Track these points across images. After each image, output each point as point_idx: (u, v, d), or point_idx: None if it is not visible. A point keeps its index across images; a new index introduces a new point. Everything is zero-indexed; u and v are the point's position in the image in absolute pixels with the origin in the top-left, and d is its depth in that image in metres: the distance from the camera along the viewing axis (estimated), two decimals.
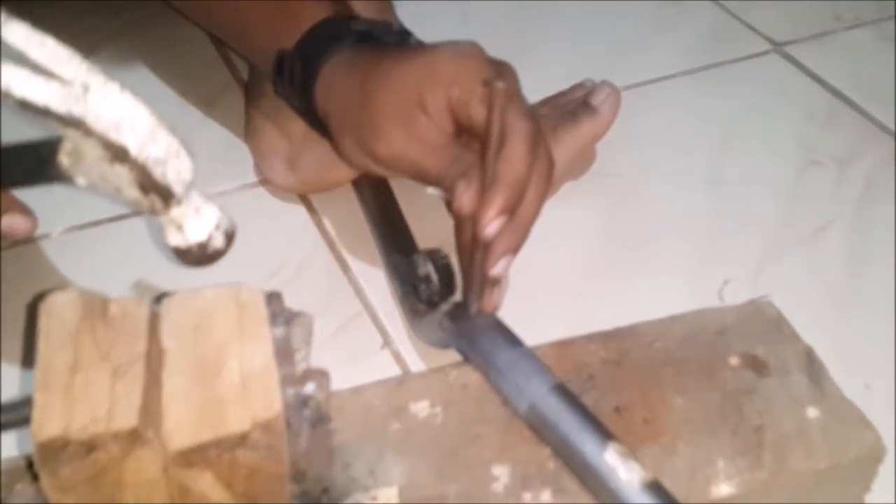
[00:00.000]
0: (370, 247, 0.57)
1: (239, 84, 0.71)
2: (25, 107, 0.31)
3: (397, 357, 0.52)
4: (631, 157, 0.65)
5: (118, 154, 0.33)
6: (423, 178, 0.46)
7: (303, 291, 0.56)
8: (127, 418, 0.32)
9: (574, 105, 0.59)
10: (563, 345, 0.44)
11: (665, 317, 0.46)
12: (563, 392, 0.40)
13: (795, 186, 0.64)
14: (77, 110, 0.31)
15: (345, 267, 0.58)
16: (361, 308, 0.55)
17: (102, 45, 0.75)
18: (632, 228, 0.60)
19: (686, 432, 0.40)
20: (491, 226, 0.42)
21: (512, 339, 0.43)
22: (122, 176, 0.33)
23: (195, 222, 0.35)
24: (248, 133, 0.62)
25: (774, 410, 0.41)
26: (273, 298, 0.37)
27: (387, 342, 0.53)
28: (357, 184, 0.59)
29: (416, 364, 0.52)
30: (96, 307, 0.35)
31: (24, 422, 0.32)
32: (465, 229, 0.45)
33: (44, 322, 0.34)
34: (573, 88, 0.62)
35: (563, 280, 0.56)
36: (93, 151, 0.32)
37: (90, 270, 0.56)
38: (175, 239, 0.35)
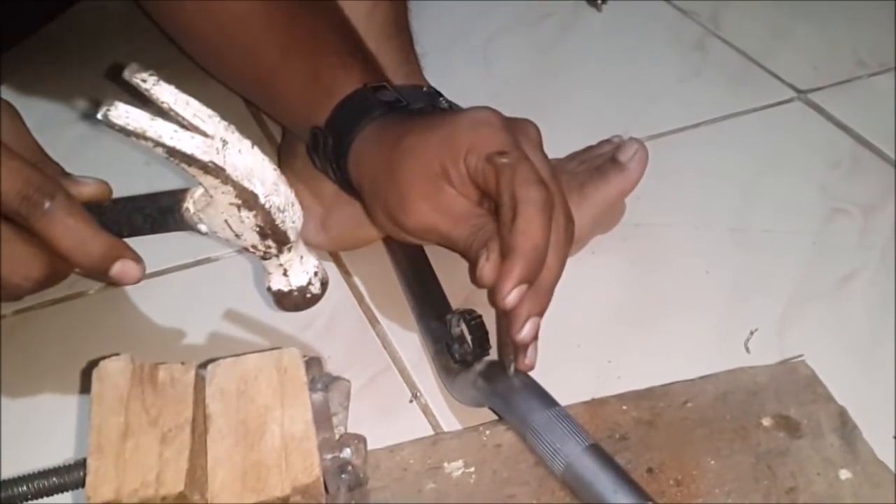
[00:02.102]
0: (398, 301, 0.59)
1: (269, 142, 0.73)
2: (173, 155, 0.36)
3: (425, 410, 0.54)
4: (657, 208, 0.66)
5: (248, 200, 0.38)
6: (451, 246, 0.49)
7: (333, 345, 0.57)
8: (175, 483, 0.33)
9: (602, 160, 0.61)
10: (596, 404, 0.46)
11: (697, 377, 0.48)
12: (599, 452, 0.41)
13: (820, 235, 0.66)
14: (217, 160, 0.36)
15: (373, 321, 0.59)
16: (390, 362, 0.57)
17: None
18: (659, 279, 0.62)
19: (719, 495, 0.41)
20: (510, 296, 0.45)
21: (546, 399, 0.45)
22: (246, 221, 0.38)
23: (299, 268, 0.41)
24: None
25: (807, 472, 0.42)
26: (313, 363, 0.39)
27: (415, 396, 0.55)
28: (389, 242, 0.61)
29: (444, 417, 0.53)
30: (146, 373, 0.37)
31: (79, 484, 0.34)
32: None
33: (96, 388, 0.36)
34: (601, 144, 0.64)
35: (593, 334, 0.58)
36: (225, 198, 0.37)
37: (130, 325, 0.58)
38: (279, 283, 0.41)
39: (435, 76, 0.65)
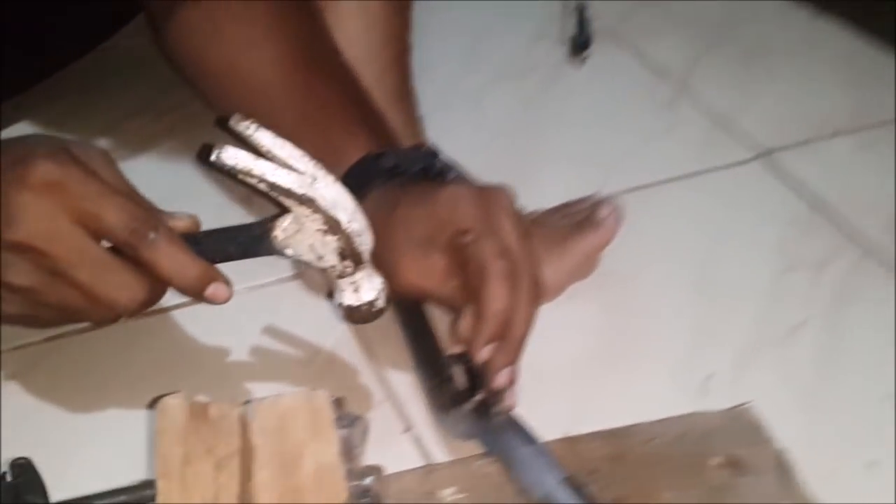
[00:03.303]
0: (393, 338, 0.68)
1: None
2: (274, 189, 0.46)
3: (417, 441, 0.63)
4: (628, 258, 0.75)
5: (333, 227, 0.48)
6: (437, 305, 0.60)
7: (334, 379, 0.66)
8: (229, 501, 0.42)
9: (581, 217, 0.71)
10: (571, 441, 0.56)
11: (659, 419, 0.57)
12: (573, 484, 0.51)
13: (773, 288, 0.75)
14: (310, 193, 0.46)
15: (371, 356, 0.68)
16: (385, 395, 0.65)
17: (147, 146, 0.86)
18: (628, 325, 0.71)
19: None
20: (482, 353, 0.56)
21: (528, 437, 0.54)
22: (329, 245, 0.49)
23: (368, 285, 0.51)
24: None
25: None
26: (338, 403, 0.47)
27: (408, 427, 0.63)
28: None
29: (434, 448, 0.62)
30: (198, 409, 0.45)
31: (148, 501, 0.42)
32: None
33: (159, 421, 0.44)
34: (581, 200, 0.74)
35: (568, 374, 0.67)
36: (313, 225, 0.48)
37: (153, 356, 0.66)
38: (350, 299, 0.51)
39: (434, 129, 0.74)
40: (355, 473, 0.45)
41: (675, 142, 0.90)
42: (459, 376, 0.60)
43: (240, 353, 0.66)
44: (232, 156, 0.45)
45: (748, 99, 0.96)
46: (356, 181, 0.61)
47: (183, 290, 0.53)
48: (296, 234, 0.48)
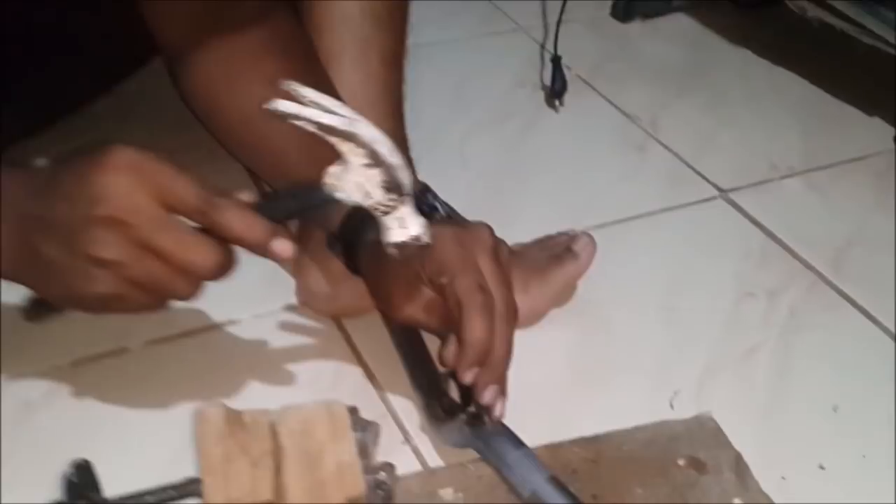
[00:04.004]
0: (392, 359, 0.75)
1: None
2: (322, 129, 0.54)
3: (416, 451, 0.70)
4: (602, 287, 0.83)
5: (375, 158, 0.54)
6: (429, 332, 0.69)
7: (337, 395, 0.72)
8: (265, 494, 0.50)
9: (559, 249, 0.79)
10: (554, 447, 0.64)
11: (631, 427, 0.65)
12: (557, 482, 0.58)
13: (732, 313, 0.83)
14: (351, 129, 0.54)
15: (371, 376, 0.75)
16: (385, 410, 0.73)
17: None
18: (602, 346, 0.79)
19: None
20: (466, 375, 0.63)
21: (517, 442, 0.62)
22: (373, 179, 0.55)
23: (413, 220, 0.56)
24: (296, 269, 0.79)
25: (710, 499, 0.60)
26: (352, 411, 0.55)
27: (407, 439, 0.70)
28: (385, 315, 0.77)
29: (430, 456, 0.69)
30: (233, 416, 0.53)
31: (195, 494, 0.49)
32: None
33: (200, 427, 0.52)
34: (559, 234, 0.82)
35: (549, 389, 0.75)
36: (357, 160, 0.54)
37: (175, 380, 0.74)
38: (397, 235, 0.57)
39: (423, 170, 0.81)
40: (370, 469, 0.53)
41: (643, 181, 0.99)
42: (453, 391, 0.67)
43: (258, 372, 0.74)
44: (283, 104, 0.53)
45: (710, 142, 1.06)
46: (353, 228, 0.69)
47: (252, 247, 0.58)
48: (343, 174, 0.55)
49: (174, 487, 0.51)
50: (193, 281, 0.57)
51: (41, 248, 0.55)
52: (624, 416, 0.70)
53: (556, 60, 1.11)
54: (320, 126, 0.53)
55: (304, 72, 0.74)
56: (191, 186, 0.55)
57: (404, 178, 0.55)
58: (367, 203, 0.56)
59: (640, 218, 0.94)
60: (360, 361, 0.76)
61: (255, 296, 0.79)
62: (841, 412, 0.74)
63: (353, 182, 0.55)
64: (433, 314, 0.66)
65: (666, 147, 1.04)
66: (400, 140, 0.80)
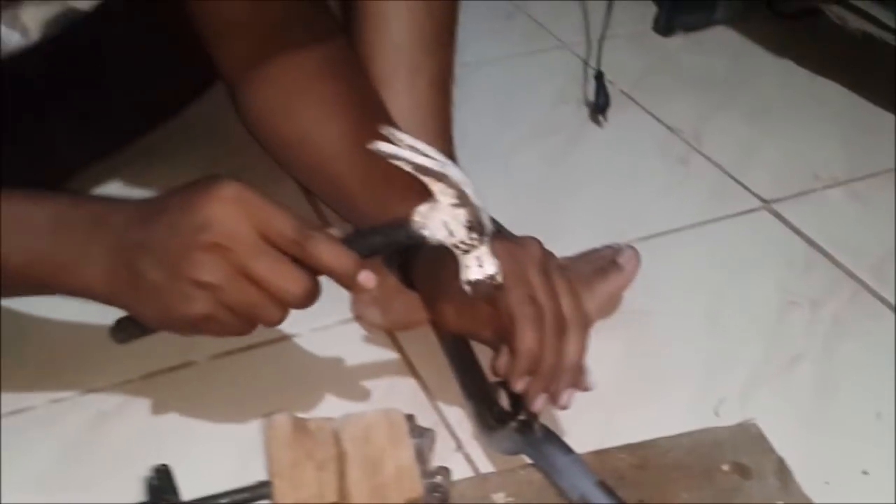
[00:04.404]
0: (443, 370, 0.78)
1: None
2: (416, 168, 0.58)
3: (468, 458, 0.73)
4: (647, 298, 0.85)
5: (462, 198, 0.58)
6: (481, 343, 0.72)
7: (391, 405, 0.76)
8: (331, 495, 0.54)
9: (605, 262, 0.82)
10: (601, 453, 0.67)
11: (676, 434, 0.67)
12: (605, 487, 0.61)
13: (775, 323, 0.85)
14: (443, 170, 0.58)
15: (423, 386, 0.78)
16: (438, 419, 0.76)
17: None
18: (647, 356, 0.82)
19: None
20: (518, 384, 0.66)
21: (566, 448, 0.65)
22: (459, 218, 0.59)
23: (490, 260, 0.60)
24: None
25: None
26: (410, 418, 0.58)
27: (459, 446, 0.74)
28: (436, 325, 0.80)
29: (481, 463, 0.72)
30: (299, 424, 0.56)
31: (266, 497, 0.53)
32: None
33: (269, 434, 0.55)
34: (604, 248, 0.85)
35: (596, 398, 0.76)
36: (446, 199, 0.59)
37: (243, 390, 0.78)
38: (475, 273, 0.60)
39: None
40: (427, 473, 0.56)
41: (687, 193, 1.01)
42: (503, 399, 0.70)
43: (317, 383, 0.77)
44: (384, 146, 0.57)
45: (753, 153, 1.07)
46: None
47: (340, 278, 0.62)
48: (430, 212, 0.59)
49: (246, 490, 0.55)
50: (282, 307, 0.61)
51: (144, 271, 0.59)
52: (669, 424, 0.72)
53: (599, 76, 1.13)
54: (416, 167, 0.57)
55: (358, 96, 0.78)
56: (288, 219, 0.60)
57: (486, 219, 0.59)
58: (449, 241, 0.60)
59: (684, 230, 0.96)
60: (414, 372, 0.79)
61: (312, 310, 0.80)
62: (884, 419, 0.76)
63: (440, 220, 0.59)
64: (486, 326, 0.69)
65: (709, 159, 1.06)
66: (449, 158, 0.83)
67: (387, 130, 0.58)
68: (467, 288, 0.61)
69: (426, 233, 0.59)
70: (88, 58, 0.84)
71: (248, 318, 0.60)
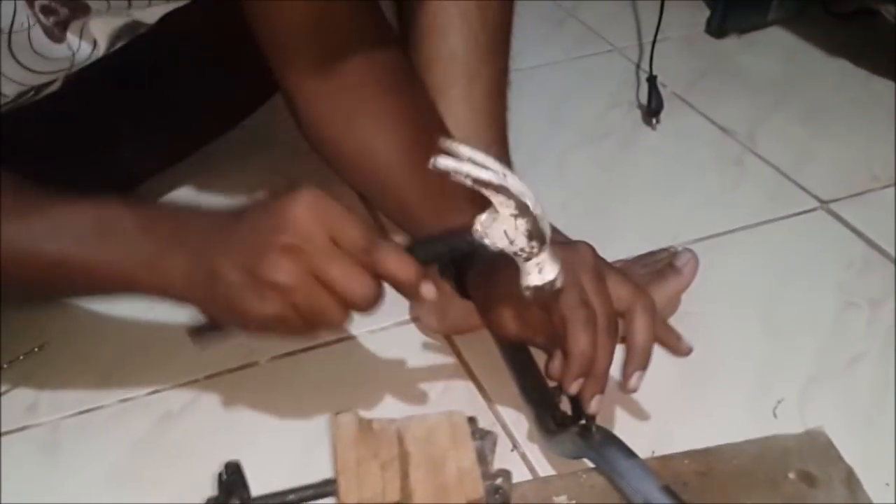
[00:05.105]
0: (499, 372, 0.78)
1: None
2: (476, 182, 0.58)
3: (524, 458, 0.73)
4: (704, 300, 0.85)
5: (522, 210, 0.58)
6: (535, 347, 0.73)
7: (448, 407, 0.76)
8: (393, 495, 0.54)
9: (662, 265, 0.82)
10: (665, 459, 0.66)
11: (742, 440, 0.68)
12: (669, 492, 0.61)
13: (834, 323, 0.84)
14: (503, 182, 0.58)
15: (480, 388, 0.79)
16: (494, 419, 0.76)
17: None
18: (705, 358, 0.80)
19: None
20: (572, 387, 0.66)
21: (628, 452, 0.65)
22: (519, 228, 0.59)
23: (549, 266, 0.60)
24: None
25: None
26: (472, 420, 0.59)
27: (515, 446, 0.74)
28: (494, 332, 0.80)
29: (539, 464, 0.72)
30: (364, 423, 0.57)
31: (331, 494, 0.54)
32: None
33: (335, 432, 0.57)
34: (661, 251, 0.85)
35: (655, 402, 0.77)
36: (507, 210, 0.58)
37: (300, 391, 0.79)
38: (535, 279, 0.61)
39: None
40: (488, 475, 0.56)
41: (742, 195, 1.00)
42: (564, 404, 0.70)
43: (375, 384, 0.78)
44: (444, 162, 0.57)
45: (809, 154, 1.06)
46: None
47: (403, 287, 0.63)
48: (492, 223, 0.59)
49: (312, 487, 0.56)
50: (346, 311, 0.62)
51: (221, 270, 0.61)
52: (728, 426, 0.72)
53: (651, 80, 1.13)
54: (476, 180, 0.57)
55: (415, 108, 0.79)
56: (360, 227, 0.61)
57: (546, 227, 0.59)
58: (509, 249, 0.60)
59: (741, 231, 0.95)
60: (471, 375, 0.80)
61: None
62: None
63: (500, 230, 0.59)
64: (539, 330, 0.70)
65: (764, 160, 1.05)
66: (504, 164, 0.84)
67: (445, 143, 0.59)
68: (527, 293, 0.61)
69: (487, 241, 0.60)
70: (152, 69, 0.86)
71: (314, 319, 0.61)
